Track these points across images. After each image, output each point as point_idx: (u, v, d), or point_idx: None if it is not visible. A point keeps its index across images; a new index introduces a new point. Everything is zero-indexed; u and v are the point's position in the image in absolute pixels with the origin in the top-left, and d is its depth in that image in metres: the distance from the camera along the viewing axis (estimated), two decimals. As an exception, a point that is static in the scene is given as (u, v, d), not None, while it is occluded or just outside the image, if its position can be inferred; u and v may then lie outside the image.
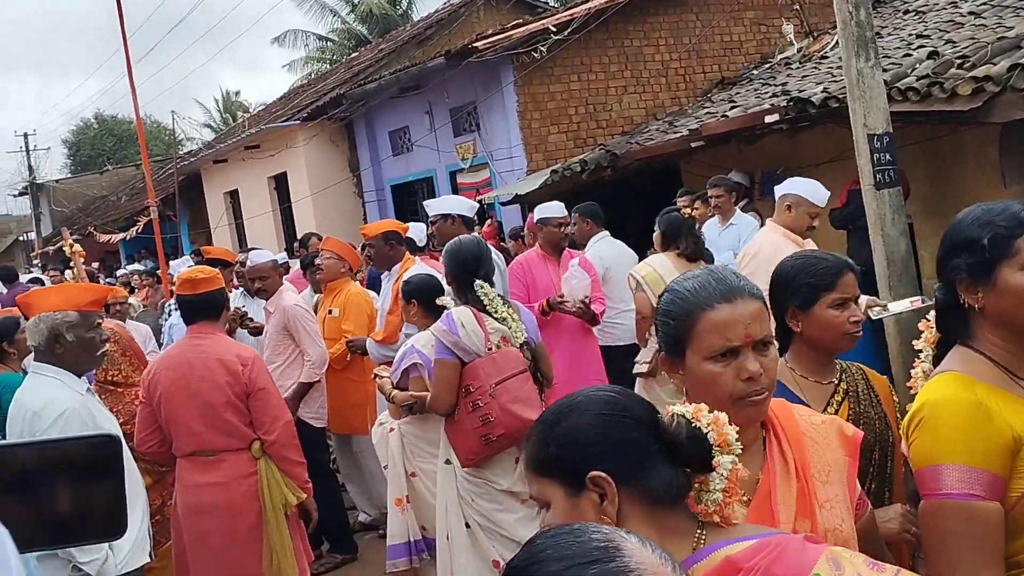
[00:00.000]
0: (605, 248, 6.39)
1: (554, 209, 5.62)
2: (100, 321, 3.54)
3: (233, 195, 17.27)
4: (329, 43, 30.00)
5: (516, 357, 3.84)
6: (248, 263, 5.63)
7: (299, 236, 14.35)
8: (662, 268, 5.58)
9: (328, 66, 26.57)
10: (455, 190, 12.59)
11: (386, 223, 5.84)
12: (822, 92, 7.17)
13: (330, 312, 5.91)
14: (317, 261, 6.11)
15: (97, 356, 3.49)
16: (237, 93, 39.89)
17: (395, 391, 4.44)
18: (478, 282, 3.99)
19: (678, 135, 8.50)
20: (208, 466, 3.97)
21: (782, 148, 8.23)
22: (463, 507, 3.88)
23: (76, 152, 40.91)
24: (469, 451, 3.79)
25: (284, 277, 6.29)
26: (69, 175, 34.59)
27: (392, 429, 4.45)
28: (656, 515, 1.35)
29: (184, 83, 63.94)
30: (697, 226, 7.81)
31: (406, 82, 11.96)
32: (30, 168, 31.76)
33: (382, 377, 4.62)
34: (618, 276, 6.09)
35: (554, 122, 11.36)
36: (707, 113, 9.54)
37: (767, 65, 12.04)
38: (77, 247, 7.05)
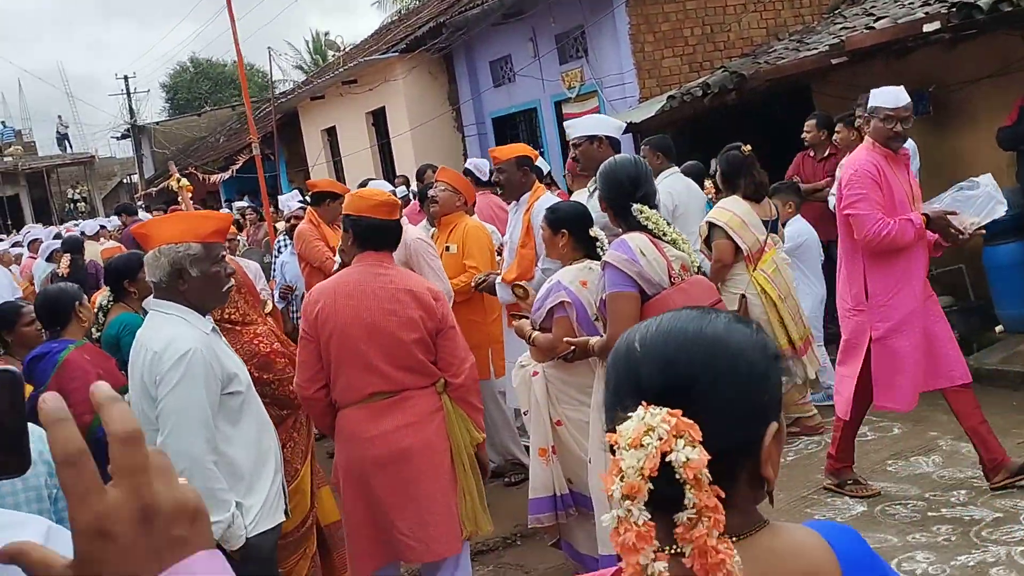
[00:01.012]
0: (676, 184, 5.98)
1: (892, 97, 4.35)
2: (224, 254, 3.20)
3: (331, 132, 17.03)
4: (418, -23, 29.72)
5: (707, 286, 3.44)
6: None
7: (398, 172, 14.11)
8: (742, 211, 5.23)
9: (417, 2, 26.13)
10: (560, 120, 12.01)
11: (518, 147, 5.36)
12: (989, -4, 6.34)
13: (447, 249, 5.51)
14: (431, 193, 5.69)
15: (223, 292, 3.15)
16: (327, 34, 39.67)
17: (536, 333, 4.02)
18: (636, 206, 3.53)
19: (815, 52, 7.72)
20: (391, 409, 3.60)
21: (936, 63, 7.41)
22: None
23: (174, 95, 41.54)
24: None
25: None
26: (168, 118, 35.15)
27: (536, 372, 4.05)
28: None
29: (272, 26, 64.06)
30: (844, 154, 7.16)
31: (510, 6, 11.34)
32: (131, 111, 32.32)
33: (520, 318, 4.20)
34: (689, 215, 5.78)
35: (668, 45, 10.63)
36: (842, 28, 8.70)
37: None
38: (185, 182, 6.78)
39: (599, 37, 10.83)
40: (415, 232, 5.14)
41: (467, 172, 6.78)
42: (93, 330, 4.65)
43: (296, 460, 3.83)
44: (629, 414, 0.98)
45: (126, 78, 33.52)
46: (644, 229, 3.46)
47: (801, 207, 7.85)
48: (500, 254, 5.65)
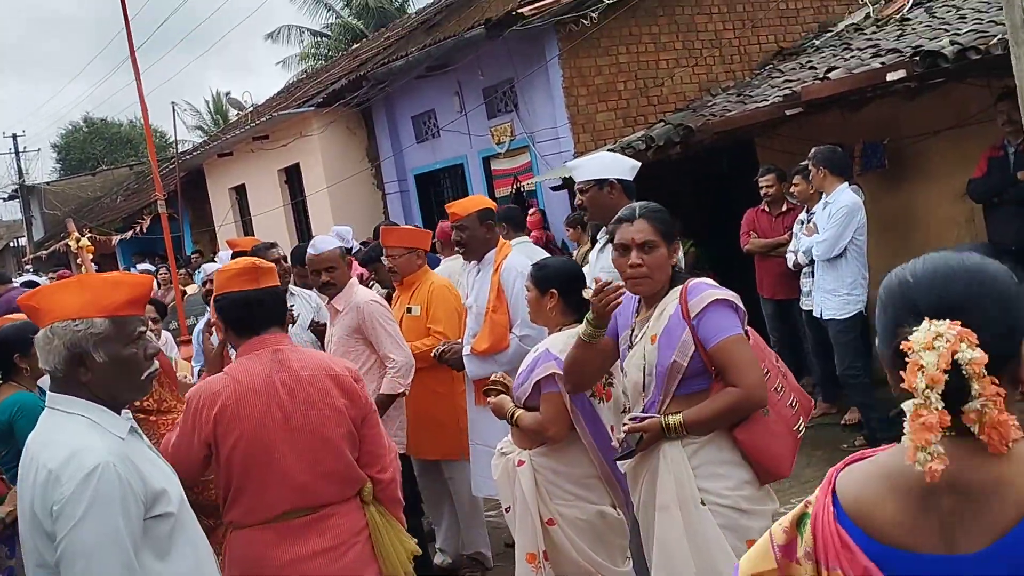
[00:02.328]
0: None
1: None
2: (143, 329, 2.45)
3: (239, 190, 16.13)
4: (324, 39, 29.29)
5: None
6: (311, 251, 4.53)
7: (313, 232, 13.31)
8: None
9: (324, 62, 25.60)
10: (489, 177, 11.52)
11: (477, 200, 4.73)
12: (951, 44, 6.12)
13: (409, 311, 4.83)
14: (387, 264, 5.01)
15: (142, 380, 2.39)
16: (228, 93, 38.72)
17: (521, 412, 3.39)
18: None
19: (767, 103, 7.41)
20: (306, 530, 2.86)
21: (892, 115, 7.18)
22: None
23: (66, 156, 39.78)
24: (786, 454, 2.86)
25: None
26: (59, 178, 33.37)
27: (521, 462, 3.39)
28: None
29: (170, 86, 62.53)
30: (802, 205, 6.80)
31: (436, 59, 10.84)
32: (19, 170, 30.50)
33: (496, 393, 3.55)
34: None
35: (602, 99, 10.27)
36: (785, 81, 8.47)
37: (830, 33, 10.99)
38: (85, 241, 5.94)
39: (531, 90, 10.41)
40: (367, 295, 4.46)
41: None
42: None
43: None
44: (912, 329, 1.20)
45: (14, 136, 31.78)
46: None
47: (758, 265, 7.48)
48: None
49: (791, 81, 8.44)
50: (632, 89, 10.48)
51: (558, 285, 3.41)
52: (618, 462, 3.10)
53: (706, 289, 2.82)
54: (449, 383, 4.88)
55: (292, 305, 4.94)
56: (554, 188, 9.92)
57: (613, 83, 10.36)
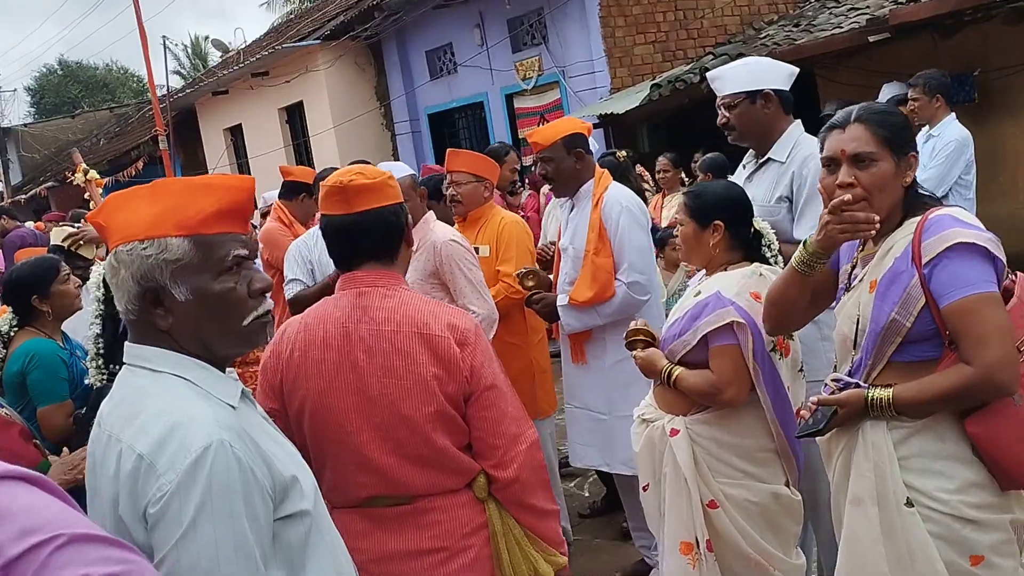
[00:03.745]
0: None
1: None
2: (242, 253, 1.73)
3: (235, 131, 15.25)
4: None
5: None
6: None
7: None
8: None
9: (309, 3, 24.47)
10: (512, 115, 10.77)
11: (561, 124, 3.93)
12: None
13: (476, 251, 4.13)
14: (448, 192, 4.28)
15: (245, 328, 1.69)
16: (206, 38, 37.29)
17: (681, 370, 2.75)
18: None
19: (843, 29, 6.70)
20: (400, 523, 2.20)
21: (982, 44, 6.52)
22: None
23: (40, 99, 38.31)
24: None
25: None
26: (35, 120, 32.06)
27: (675, 431, 2.75)
28: None
29: (146, 29, 60.51)
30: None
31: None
32: (-6, 112, 29.23)
33: (643, 345, 2.90)
34: None
35: (640, 30, 9.53)
36: (851, 9, 7.76)
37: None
38: (94, 173, 5.19)
39: (563, 21, 9.63)
40: (446, 232, 3.75)
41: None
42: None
43: None
44: None
45: (-12, 76, 30.36)
46: None
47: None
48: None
49: (856, 9, 7.73)
50: (672, 21, 9.74)
51: (724, 215, 2.74)
52: (799, 438, 2.45)
53: (951, 226, 2.08)
54: (524, 333, 4.22)
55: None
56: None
57: (652, 14, 9.61)
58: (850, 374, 2.28)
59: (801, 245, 2.27)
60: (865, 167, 2.16)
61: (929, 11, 5.97)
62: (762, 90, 3.13)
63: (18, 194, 23.49)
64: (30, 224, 9.40)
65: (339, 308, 2.25)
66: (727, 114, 3.20)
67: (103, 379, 3.36)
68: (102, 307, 3.39)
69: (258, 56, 13.67)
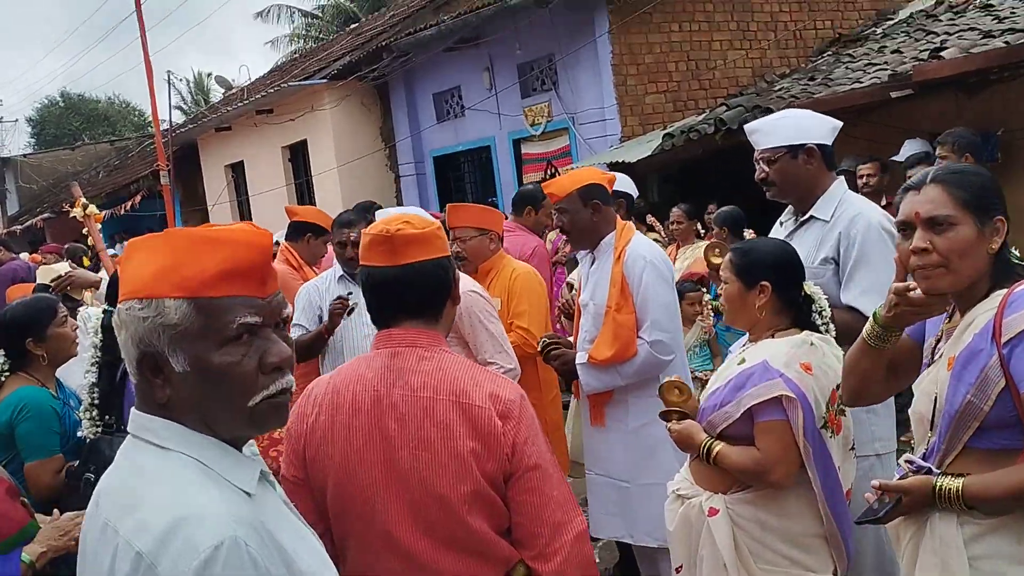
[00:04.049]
0: None
1: None
2: (253, 320, 1.48)
3: (237, 168, 15.13)
4: (316, 19, 28.30)
5: None
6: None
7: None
8: None
9: (315, 43, 24.59)
10: (519, 161, 10.65)
11: (577, 175, 3.72)
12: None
13: (488, 302, 3.95)
14: (454, 250, 4.09)
15: (252, 408, 1.42)
16: (209, 75, 37.51)
17: (722, 446, 2.53)
18: None
19: (871, 83, 6.60)
20: None
21: (1005, 103, 6.41)
22: None
23: (41, 130, 38.35)
24: None
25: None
26: (35, 151, 32.00)
27: (714, 510, 2.53)
28: None
29: (151, 65, 60.95)
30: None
31: (473, 28, 9.96)
32: (-5, 141, 29.18)
33: (679, 417, 2.69)
34: None
35: (652, 79, 9.46)
36: (867, 64, 7.68)
37: (891, 21, 10.25)
38: (93, 208, 5.02)
39: (575, 67, 9.55)
40: (466, 283, 3.55)
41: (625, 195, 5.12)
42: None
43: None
44: None
45: (-10, 106, 30.36)
46: None
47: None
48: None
49: (874, 64, 7.65)
50: (683, 71, 9.68)
51: (772, 276, 2.56)
52: (858, 524, 2.24)
53: None
54: (537, 389, 4.01)
55: (350, 292, 4.06)
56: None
57: (664, 63, 9.55)
58: (925, 457, 2.09)
59: (871, 317, 2.08)
60: (942, 231, 1.97)
61: (954, 68, 5.86)
62: (804, 144, 2.97)
63: (14, 224, 23.31)
64: (25, 256, 9.19)
65: (371, 369, 2.04)
66: (766, 169, 3.03)
67: (97, 432, 3.15)
68: (99, 354, 3.19)
69: (263, 93, 13.59)
